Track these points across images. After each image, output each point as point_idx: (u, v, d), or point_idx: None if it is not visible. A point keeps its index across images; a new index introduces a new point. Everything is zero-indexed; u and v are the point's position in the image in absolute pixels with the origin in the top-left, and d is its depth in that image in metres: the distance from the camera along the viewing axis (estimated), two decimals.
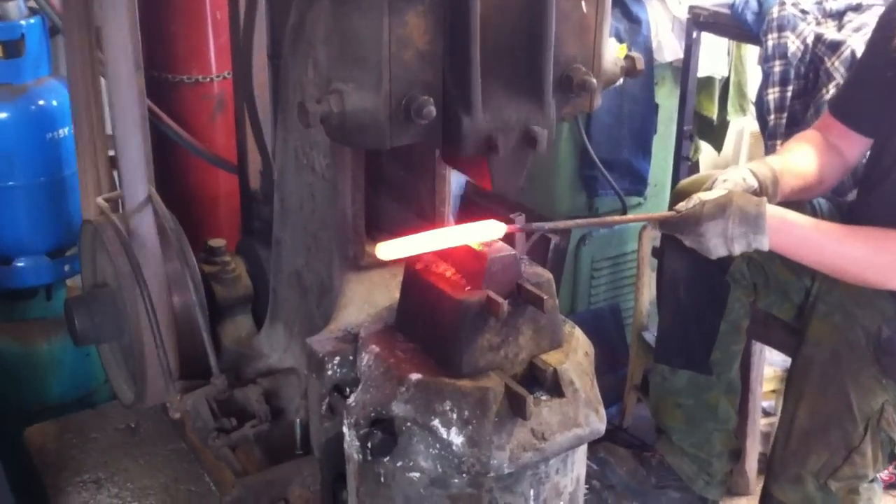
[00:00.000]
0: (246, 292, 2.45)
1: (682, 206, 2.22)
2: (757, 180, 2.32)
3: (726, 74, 3.92)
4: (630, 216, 2.31)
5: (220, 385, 2.14)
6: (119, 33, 1.96)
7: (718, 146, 4.20)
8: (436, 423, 1.68)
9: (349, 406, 1.79)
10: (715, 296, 2.61)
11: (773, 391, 3.36)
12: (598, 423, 1.83)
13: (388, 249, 1.79)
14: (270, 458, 2.15)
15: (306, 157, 2.08)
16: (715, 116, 3.99)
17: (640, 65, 1.92)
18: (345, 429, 1.81)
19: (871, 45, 2.50)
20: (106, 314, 2.26)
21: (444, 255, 1.86)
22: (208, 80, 3.07)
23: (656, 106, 3.66)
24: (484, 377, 1.73)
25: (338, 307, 2.02)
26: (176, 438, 2.51)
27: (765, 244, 2.20)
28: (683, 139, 3.61)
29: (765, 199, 2.23)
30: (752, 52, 3.95)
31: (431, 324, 1.81)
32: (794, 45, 3.05)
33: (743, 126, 4.56)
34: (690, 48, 3.51)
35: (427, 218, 2.12)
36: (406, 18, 1.62)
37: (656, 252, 2.78)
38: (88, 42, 2.42)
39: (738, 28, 3.31)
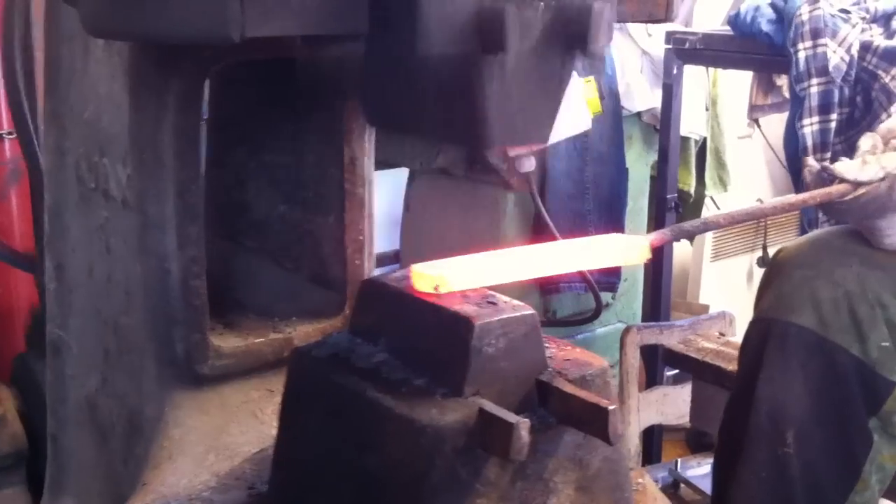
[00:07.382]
0: (15, 447, 1.62)
1: (850, 170, 1.31)
2: None
3: (705, 135, 3.06)
4: (788, 198, 1.35)
5: None
6: None
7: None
8: None
9: None
10: (846, 455, 1.50)
11: None
12: None
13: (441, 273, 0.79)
14: None
15: (95, 175, 1.12)
16: (692, 190, 3.10)
17: None
18: None
19: None
20: None
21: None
22: None
23: (626, 170, 2.76)
24: None
25: (152, 460, 1.00)
26: None
27: None
28: (667, 210, 2.68)
29: None
30: (729, 110, 3.12)
31: (355, 482, 0.80)
32: (836, 56, 2.19)
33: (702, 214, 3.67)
34: (672, 89, 2.59)
35: (328, 282, 1.11)
36: None
37: (748, 361, 1.61)
38: None
39: (744, 51, 2.42)
